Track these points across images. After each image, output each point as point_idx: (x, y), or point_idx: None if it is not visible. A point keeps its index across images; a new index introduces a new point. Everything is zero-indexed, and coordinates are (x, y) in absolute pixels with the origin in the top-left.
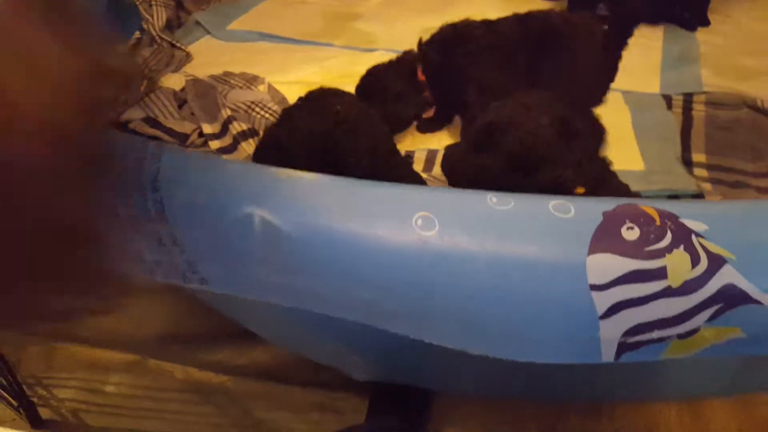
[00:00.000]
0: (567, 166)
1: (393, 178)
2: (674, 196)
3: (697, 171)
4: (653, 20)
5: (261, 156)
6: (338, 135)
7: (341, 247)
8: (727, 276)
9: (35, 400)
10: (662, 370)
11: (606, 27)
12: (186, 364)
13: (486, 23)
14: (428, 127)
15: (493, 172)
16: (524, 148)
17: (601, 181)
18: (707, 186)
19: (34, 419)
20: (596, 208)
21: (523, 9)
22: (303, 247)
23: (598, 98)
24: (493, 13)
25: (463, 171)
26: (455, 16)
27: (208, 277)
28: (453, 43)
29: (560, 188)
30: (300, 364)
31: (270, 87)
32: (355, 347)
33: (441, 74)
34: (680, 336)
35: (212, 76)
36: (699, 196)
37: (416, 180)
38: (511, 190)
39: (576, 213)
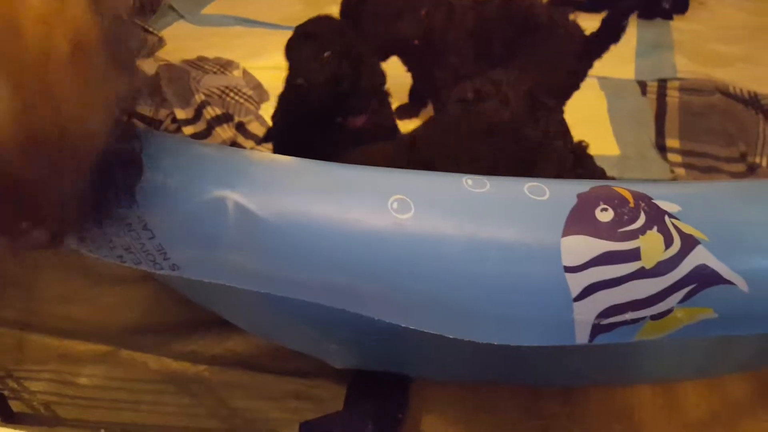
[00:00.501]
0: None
1: None
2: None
3: (671, 156)
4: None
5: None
6: None
7: (316, 231)
8: (699, 257)
9: (6, 393)
10: (636, 353)
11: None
12: (160, 355)
13: (475, 4)
14: (405, 113)
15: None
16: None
17: (579, 161)
18: (681, 171)
19: (5, 412)
20: (571, 190)
21: None
22: (277, 231)
23: (567, 93)
24: None
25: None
26: None
27: (179, 263)
28: (438, 26)
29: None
30: (276, 353)
31: (245, 72)
32: (331, 334)
33: (422, 56)
34: (653, 317)
35: (185, 61)
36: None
37: None
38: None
39: (551, 195)
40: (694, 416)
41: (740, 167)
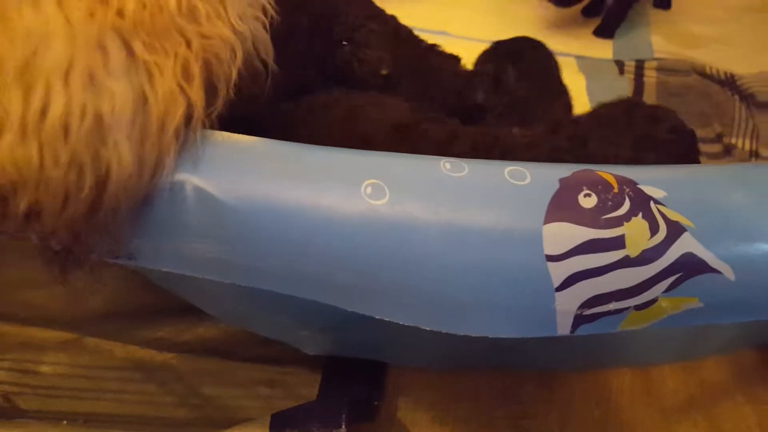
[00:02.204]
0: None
1: None
2: None
3: None
4: None
5: None
6: None
7: (283, 218)
8: (685, 244)
9: None
10: (616, 338)
11: None
12: (126, 342)
13: None
14: None
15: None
16: None
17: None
18: None
19: None
20: (553, 174)
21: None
22: (241, 217)
23: None
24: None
25: None
26: None
27: (135, 252)
28: None
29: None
30: (247, 339)
31: None
32: (303, 321)
33: None
34: (638, 307)
35: None
36: None
37: None
38: None
39: (532, 180)
40: (672, 400)
41: (717, 148)
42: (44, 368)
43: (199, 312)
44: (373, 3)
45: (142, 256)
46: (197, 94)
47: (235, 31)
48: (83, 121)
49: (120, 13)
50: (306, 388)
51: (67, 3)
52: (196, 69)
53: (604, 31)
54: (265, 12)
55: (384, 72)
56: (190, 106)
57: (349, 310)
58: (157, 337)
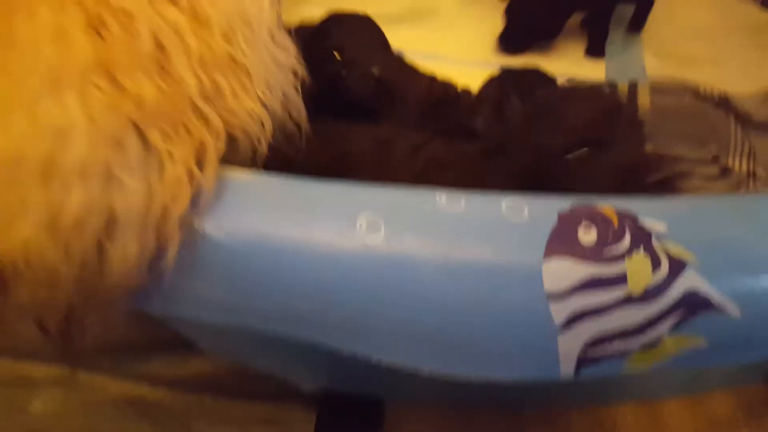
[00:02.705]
0: None
1: None
2: None
3: None
4: None
5: None
6: None
7: (277, 255)
8: (689, 281)
9: None
10: (620, 377)
11: None
12: (120, 377)
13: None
14: None
15: None
16: None
17: None
18: None
19: None
20: (551, 208)
21: None
22: (235, 256)
23: None
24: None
25: None
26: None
27: None
28: None
29: None
30: (242, 375)
31: None
32: (300, 358)
33: None
34: (642, 347)
35: None
36: None
37: None
38: None
39: (530, 214)
40: None
41: (713, 170)
42: (36, 405)
43: (192, 346)
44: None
45: (137, 297)
46: (209, 178)
47: (262, 103)
48: (97, 218)
49: (138, 103)
50: (302, 425)
51: (90, 96)
52: (212, 152)
53: (593, 50)
54: (295, 74)
55: (375, 72)
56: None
57: (345, 350)
58: (151, 372)
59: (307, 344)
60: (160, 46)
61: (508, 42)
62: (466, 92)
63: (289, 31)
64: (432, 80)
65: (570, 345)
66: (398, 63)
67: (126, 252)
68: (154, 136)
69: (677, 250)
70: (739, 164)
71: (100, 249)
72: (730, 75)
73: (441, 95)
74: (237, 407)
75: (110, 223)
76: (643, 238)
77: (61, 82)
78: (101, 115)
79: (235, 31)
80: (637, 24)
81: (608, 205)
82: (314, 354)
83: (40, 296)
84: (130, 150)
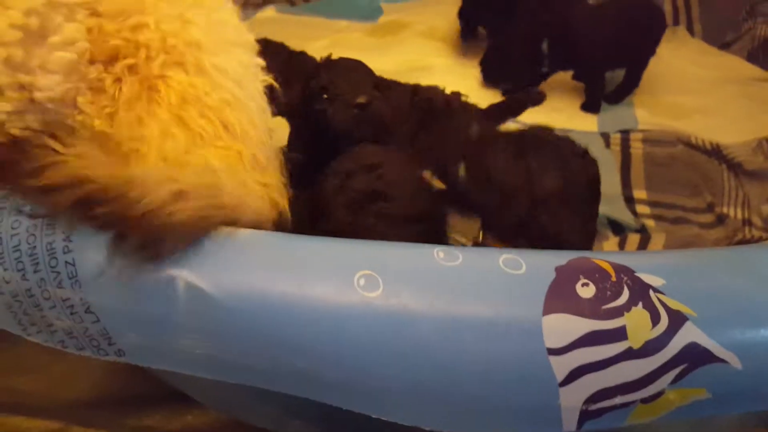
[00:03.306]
0: None
1: None
2: (615, 222)
3: (639, 208)
4: None
5: None
6: None
7: (275, 312)
8: (689, 334)
9: None
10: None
11: None
12: (114, 431)
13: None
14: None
15: None
16: None
17: None
18: (650, 222)
19: None
20: (548, 262)
21: None
22: (232, 313)
23: None
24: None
25: None
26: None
27: (125, 349)
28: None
29: None
30: (238, 429)
31: None
32: (295, 412)
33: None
34: (644, 400)
35: None
36: (642, 231)
37: None
38: None
39: (527, 269)
40: None
41: (709, 218)
42: None
43: (187, 399)
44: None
45: (133, 352)
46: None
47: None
48: None
49: None
50: None
51: None
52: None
53: (589, 106)
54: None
55: (361, 100)
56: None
57: (343, 408)
58: (145, 426)
59: (304, 401)
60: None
61: (489, 80)
62: (456, 96)
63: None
64: (415, 89)
65: (572, 400)
66: (383, 87)
67: None
68: None
69: (676, 305)
70: (734, 212)
71: None
72: (721, 125)
73: (427, 105)
74: None
75: None
76: (641, 293)
77: None
78: None
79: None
80: (626, 90)
81: (605, 260)
82: (309, 407)
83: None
84: None
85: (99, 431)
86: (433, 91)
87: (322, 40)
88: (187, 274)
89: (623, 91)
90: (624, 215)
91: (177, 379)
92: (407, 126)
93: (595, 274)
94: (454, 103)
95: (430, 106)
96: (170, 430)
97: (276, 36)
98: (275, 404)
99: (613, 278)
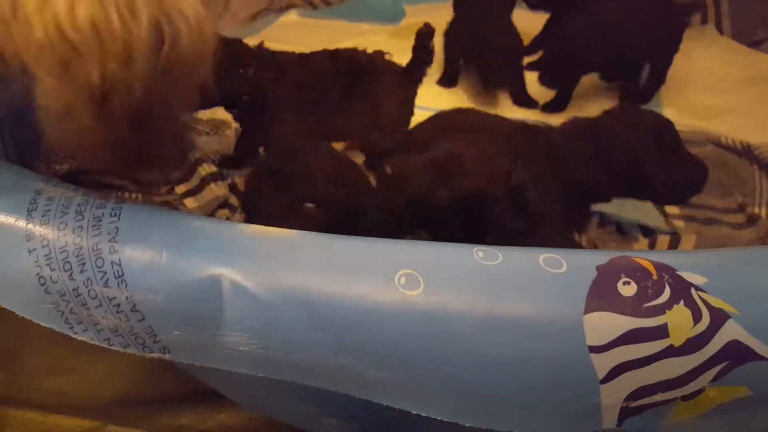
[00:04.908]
0: None
1: None
2: (645, 226)
3: (669, 209)
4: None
5: None
6: None
7: (317, 310)
8: (730, 332)
9: None
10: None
11: None
12: (149, 429)
13: (301, 59)
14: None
15: None
16: None
17: None
18: (680, 223)
19: None
20: (589, 261)
21: None
22: (275, 310)
23: (406, 122)
24: None
25: None
26: None
27: (170, 346)
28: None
29: None
30: (272, 428)
31: (236, 131)
32: (330, 410)
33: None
34: (684, 398)
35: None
36: (673, 233)
37: None
38: None
39: (568, 267)
40: None
41: (740, 218)
42: None
43: (221, 398)
44: None
45: (176, 350)
46: None
47: None
48: None
49: None
50: None
51: None
52: None
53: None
54: None
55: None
56: None
57: (384, 404)
58: (180, 424)
59: (340, 394)
60: None
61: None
62: (379, 54)
63: None
64: (333, 53)
65: (613, 397)
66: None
67: (188, 15)
68: None
69: (718, 303)
70: (766, 212)
71: (165, 11)
72: (752, 125)
73: (349, 65)
74: None
75: None
76: (682, 291)
77: None
78: None
79: None
80: (652, 88)
81: (646, 258)
82: (344, 406)
83: (117, 74)
84: None
85: (134, 430)
86: (353, 51)
87: (344, 43)
88: (232, 272)
89: (649, 90)
90: (653, 217)
91: (212, 378)
92: (333, 93)
93: (637, 273)
94: (378, 63)
95: (353, 67)
96: (204, 428)
97: (298, 40)
98: (310, 403)
99: (655, 277)
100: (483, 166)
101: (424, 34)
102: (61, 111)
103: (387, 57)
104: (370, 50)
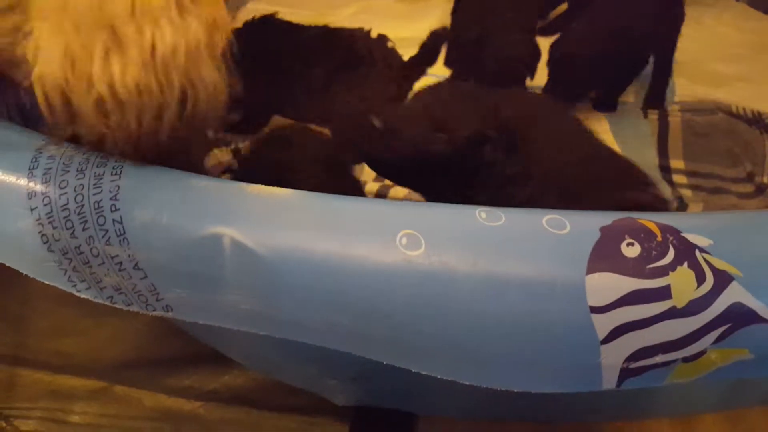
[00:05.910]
0: None
1: None
2: None
3: (676, 177)
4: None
5: None
6: None
7: (318, 270)
8: (734, 294)
9: None
10: (656, 389)
11: None
12: (155, 390)
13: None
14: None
15: None
16: None
17: None
18: (687, 192)
19: None
20: (593, 222)
21: None
22: (277, 269)
23: None
24: None
25: None
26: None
27: (173, 304)
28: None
29: None
30: (275, 388)
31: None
32: (333, 371)
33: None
34: (686, 359)
35: None
36: (679, 201)
37: None
38: None
39: (572, 228)
40: None
41: (748, 188)
42: (74, 417)
43: (225, 360)
44: None
45: (179, 308)
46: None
47: None
48: (179, 53)
49: None
50: None
51: None
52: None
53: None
54: None
55: None
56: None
57: (384, 363)
58: (185, 386)
59: (342, 355)
60: None
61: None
62: (382, 41)
63: None
64: (327, 31)
65: (613, 357)
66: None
67: (206, 79)
68: None
69: (722, 265)
70: None
71: (190, 79)
72: (765, 93)
73: (346, 48)
74: (270, 419)
75: (189, 56)
76: (687, 253)
77: None
78: None
79: None
80: (659, 83)
81: (650, 220)
82: (347, 367)
83: (150, 125)
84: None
85: (140, 390)
86: (356, 34)
87: (349, 7)
88: (233, 231)
89: (657, 84)
90: (660, 185)
91: (216, 339)
92: (318, 70)
93: (641, 234)
94: (376, 51)
95: (350, 52)
96: (209, 389)
97: (303, 2)
98: (312, 364)
99: (659, 238)
100: (470, 104)
101: (439, 36)
102: (94, 141)
103: (390, 45)
104: (375, 24)
